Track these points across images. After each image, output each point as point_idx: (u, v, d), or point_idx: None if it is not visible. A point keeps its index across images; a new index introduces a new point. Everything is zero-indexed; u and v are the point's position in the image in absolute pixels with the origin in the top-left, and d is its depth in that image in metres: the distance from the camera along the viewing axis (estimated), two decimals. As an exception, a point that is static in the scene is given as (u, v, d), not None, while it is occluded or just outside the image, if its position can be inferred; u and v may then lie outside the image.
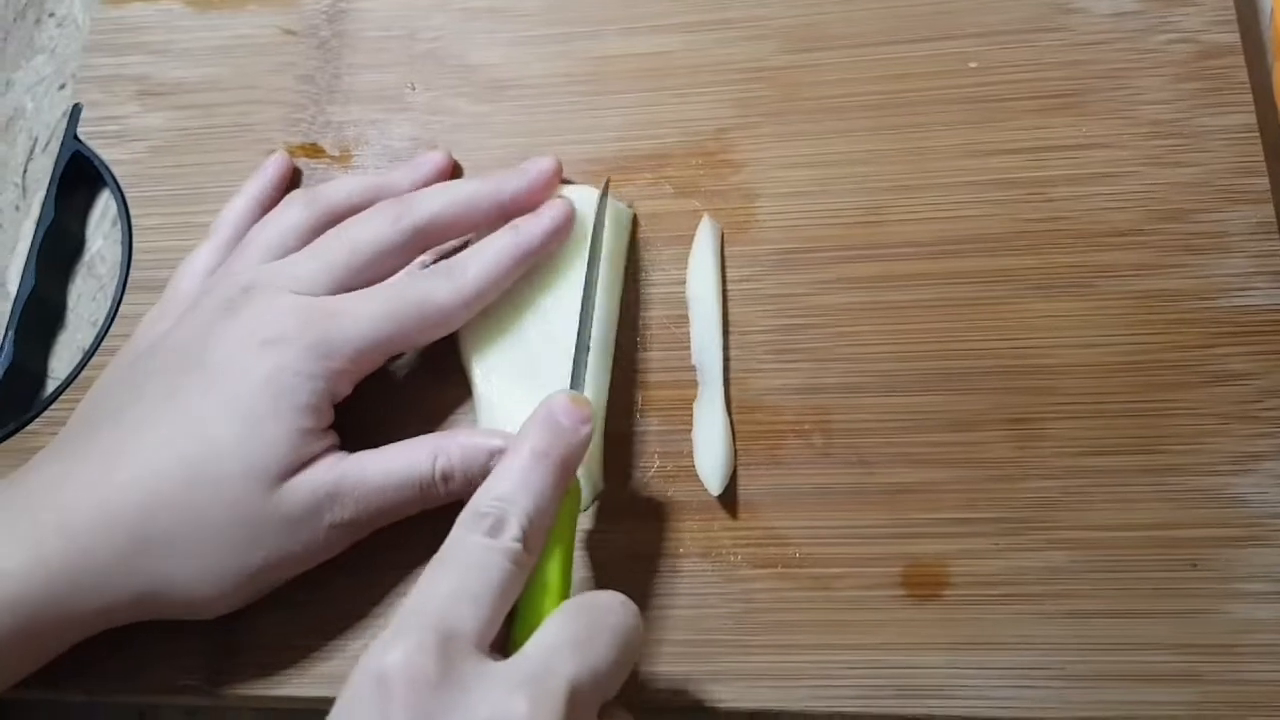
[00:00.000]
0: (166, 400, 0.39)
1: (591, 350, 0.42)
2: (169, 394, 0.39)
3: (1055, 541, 0.40)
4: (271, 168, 0.48)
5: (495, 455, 0.39)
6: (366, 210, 0.43)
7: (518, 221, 0.43)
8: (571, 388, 0.40)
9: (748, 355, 0.44)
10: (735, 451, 0.42)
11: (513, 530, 0.34)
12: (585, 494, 0.40)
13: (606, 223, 0.44)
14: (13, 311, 0.48)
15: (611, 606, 0.34)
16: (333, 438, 0.40)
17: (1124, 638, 0.39)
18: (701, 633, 0.40)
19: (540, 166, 0.44)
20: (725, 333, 0.44)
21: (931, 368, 0.43)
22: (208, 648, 0.41)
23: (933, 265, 0.44)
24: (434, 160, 0.47)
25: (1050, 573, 0.39)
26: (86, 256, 0.51)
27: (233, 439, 0.38)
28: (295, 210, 0.44)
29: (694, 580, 0.41)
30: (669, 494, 0.42)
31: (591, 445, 0.38)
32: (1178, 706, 0.38)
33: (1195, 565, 0.39)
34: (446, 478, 0.40)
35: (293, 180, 0.49)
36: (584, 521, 0.42)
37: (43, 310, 0.49)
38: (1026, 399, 0.42)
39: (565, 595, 0.36)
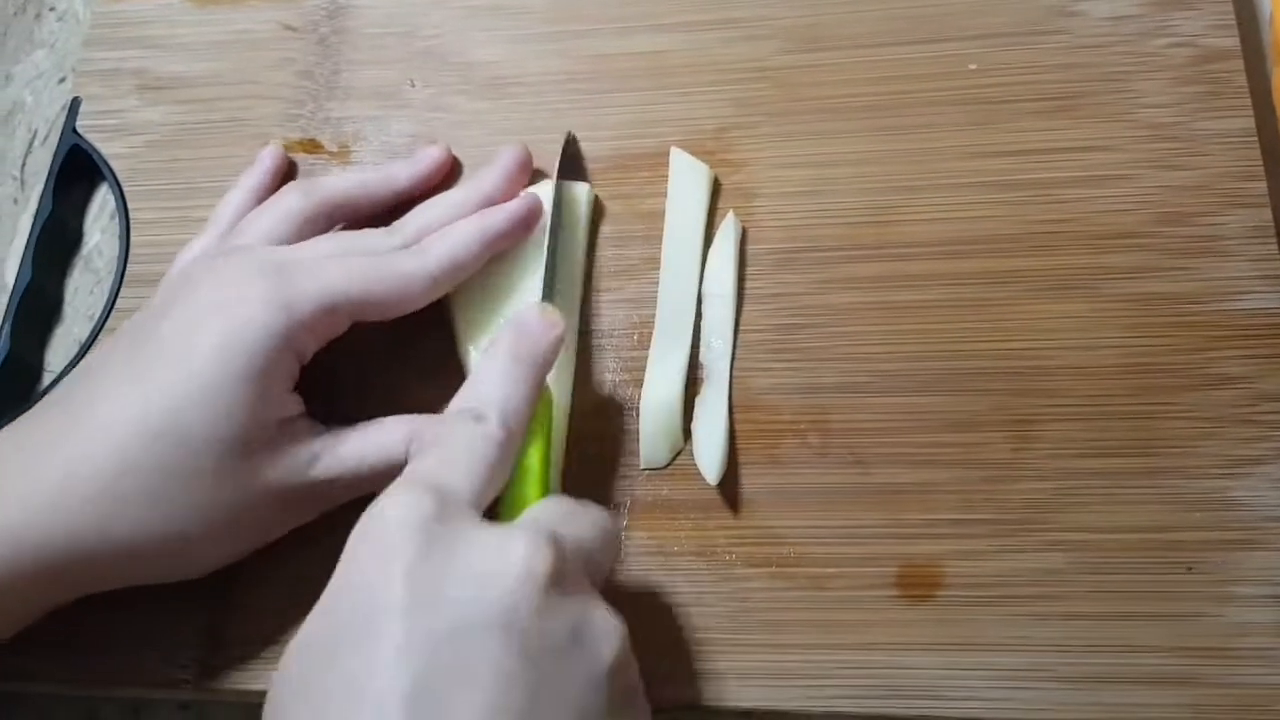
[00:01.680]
0: (124, 367, 0.39)
1: (559, 298, 0.43)
2: (127, 362, 0.39)
3: (1051, 543, 0.40)
4: (268, 159, 0.48)
5: None
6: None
7: (486, 210, 0.44)
8: (543, 299, 0.42)
9: (747, 354, 0.44)
10: (734, 446, 0.42)
11: (494, 418, 0.36)
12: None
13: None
14: (9, 304, 0.48)
15: (592, 505, 0.36)
16: (299, 403, 0.40)
17: (1119, 640, 0.38)
18: (696, 630, 0.40)
19: (510, 159, 0.45)
20: (736, 332, 0.44)
21: (929, 368, 0.43)
22: (201, 642, 0.41)
23: (931, 266, 0.44)
24: (433, 155, 0.47)
25: (1045, 574, 0.39)
26: (84, 250, 0.51)
27: (190, 403, 0.37)
28: (292, 198, 0.44)
29: (689, 578, 0.41)
30: (664, 492, 0.42)
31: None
32: (1172, 709, 0.38)
33: (1190, 568, 0.39)
34: None
35: (288, 172, 0.49)
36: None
37: (40, 303, 0.49)
38: (1024, 400, 0.42)
39: (547, 487, 0.38)
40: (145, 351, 0.38)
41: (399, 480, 0.34)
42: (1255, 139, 0.44)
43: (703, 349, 0.44)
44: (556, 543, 0.32)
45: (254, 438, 0.38)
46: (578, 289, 0.45)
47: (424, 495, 0.32)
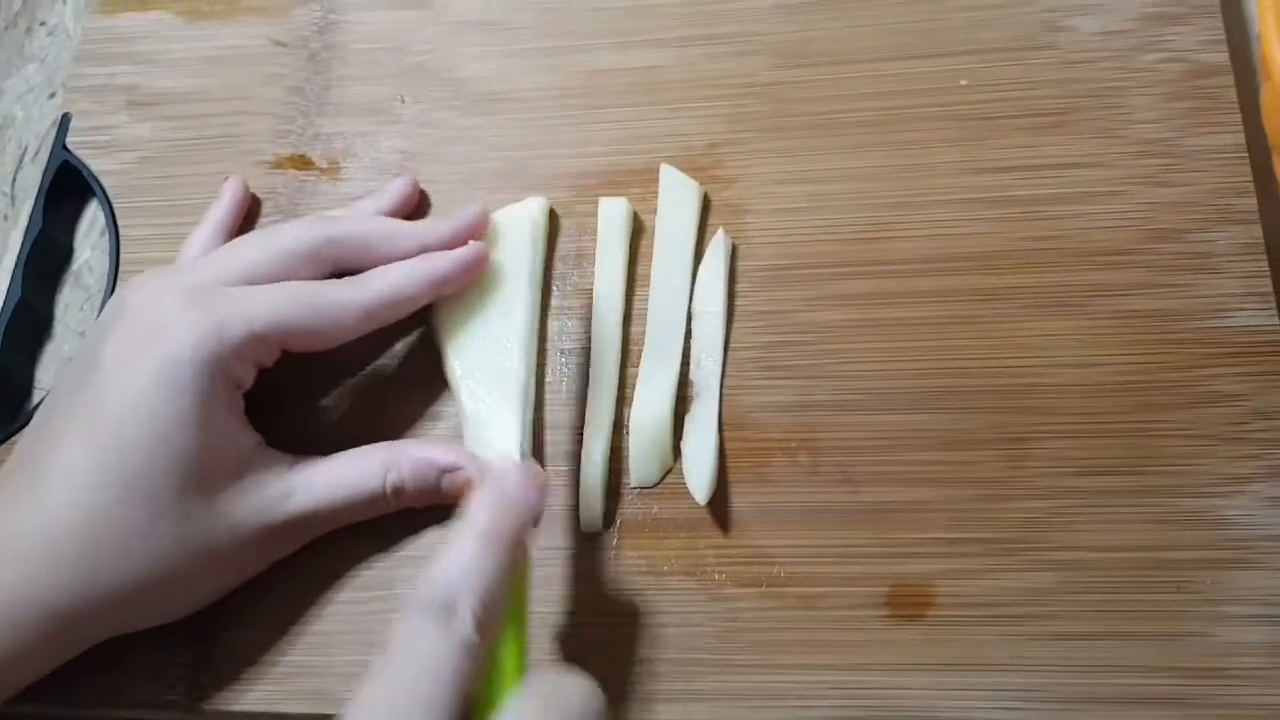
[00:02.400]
0: (76, 413, 0.38)
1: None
2: (78, 406, 0.38)
3: (1042, 562, 0.40)
4: (228, 194, 0.48)
5: (445, 472, 0.39)
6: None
7: (432, 254, 0.43)
8: (521, 449, 0.40)
9: (736, 371, 0.43)
10: (724, 464, 0.42)
11: (464, 618, 0.31)
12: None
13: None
14: (-1, 321, 0.48)
15: (572, 693, 0.32)
16: (253, 433, 0.40)
17: (1111, 660, 0.38)
18: (684, 651, 0.40)
19: (468, 215, 0.44)
20: (726, 349, 0.44)
21: (920, 386, 0.42)
22: (190, 662, 0.41)
23: (923, 283, 0.44)
24: (398, 188, 0.47)
25: (1037, 594, 0.39)
26: (74, 266, 0.51)
27: (149, 448, 0.37)
28: (252, 247, 0.42)
29: (678, 598, 0.40)
30: (654, 511, 0.42)
31: None
32: (1164, 730, 0.38)
33: (1181, 587, 0.39)
34: (398, 492, 0.40)
35: (253, 206, 0.49)
36: (569, 538, 0.42)
37: (30, 320, 0.49)
38: (1016, 418, 0.42)
39: (523, 673, 0.34)
40: (89, 389, 0.38)
41: (352, 716, 0.30)
42: (1246, 155, 0.44)
43: (693, 367, 0.43)
44: None
45: (214, 468, 0.38)
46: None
47: None
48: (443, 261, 0.42)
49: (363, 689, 0.31)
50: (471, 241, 0.43)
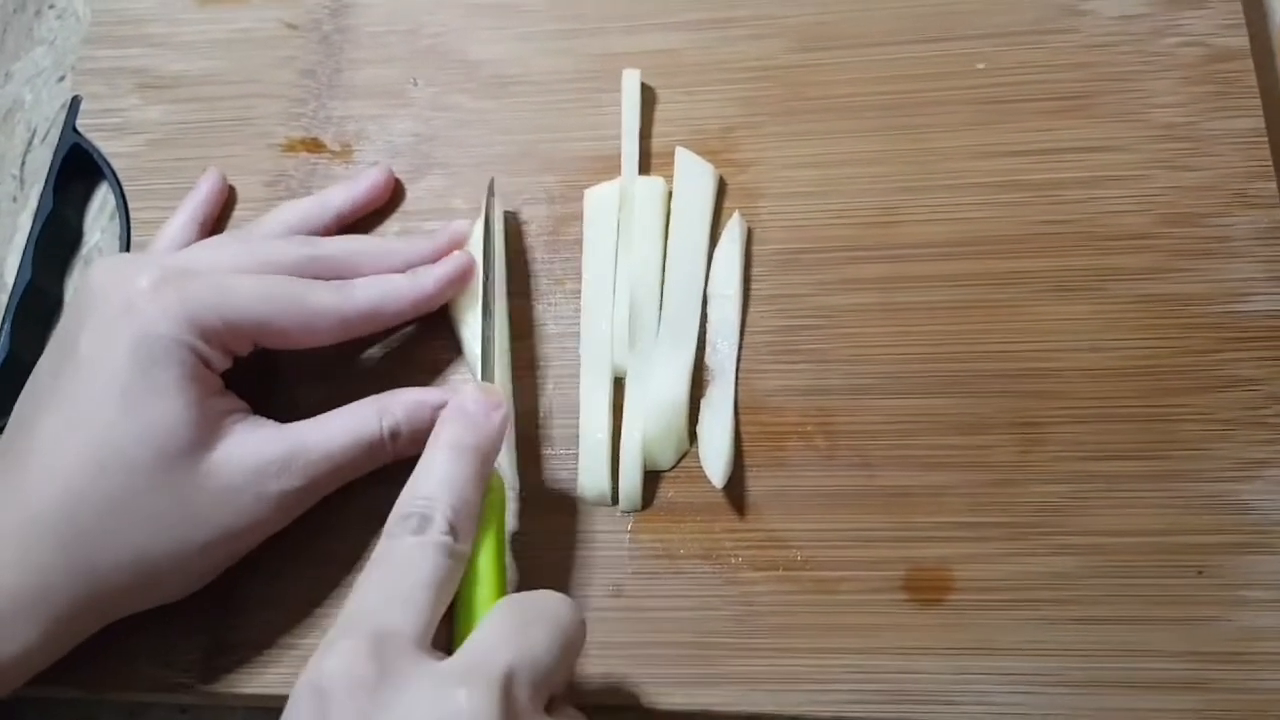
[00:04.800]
0: (51, 396, 0.38)
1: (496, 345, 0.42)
2: (53, 389, 0.38)
3: (1060, 547, 0.39)
4: (205, 185, 0.47)
5: (438, 409, 0.39)
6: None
7: (418, 270, 0.43)
8: (482, 378, 0.40)
9: (751, 355, 0.43)
10: (740, 448, 0.42)
11: (439, 524, 0.34)
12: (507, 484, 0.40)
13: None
14: (9, 303, 0.48)
15: (548, 600, 0.34)
16: (234, 400, 0.40)
17: (1129, 644, 0.38)
18: (701, 635, 0.40)
19: (450, 231, 0.44)
20: (741, 333, 0.44)
21: (937, 370, 0.42)
22: (200, 645, 0.41)
23: (940, 267, 0.44)
24: (372, 177, 0.47)
25: (1055, 578, 0.39)
26: (84, 249, 0.51)
27: (124, 423, 0.37)
28: (232, 249, 0.42)
29: (695, 582, 0.40)
30: (669, 495, 0.42)
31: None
32: (1183, 714, 0.37)
33: (1201, 572, 0.39)
34: (394, 435, 0.40)
35: (229, 198, 0.49)
36: (586, 522, 0.41)
37: (39, 303, 0.49)
38: (1033, 403, 0.41)
39: (501, 588, 0.36)
40: (64, 372, 0.38)
41: (339, 624, 0.32)
42: (1265, 139, 0.44)
43: (708, 350, 0.43)
44: (505, 684, 0.30)
45: (193, 440, 0.37)
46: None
47: (361, 646, 0.31)
48: (430, 281, 0.42)
49: (351, 595, 0.33)
50: (455, 252, 0.44)
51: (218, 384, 0.40)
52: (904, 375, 0.42)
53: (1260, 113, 0.44)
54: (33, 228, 0.49)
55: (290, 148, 0.49)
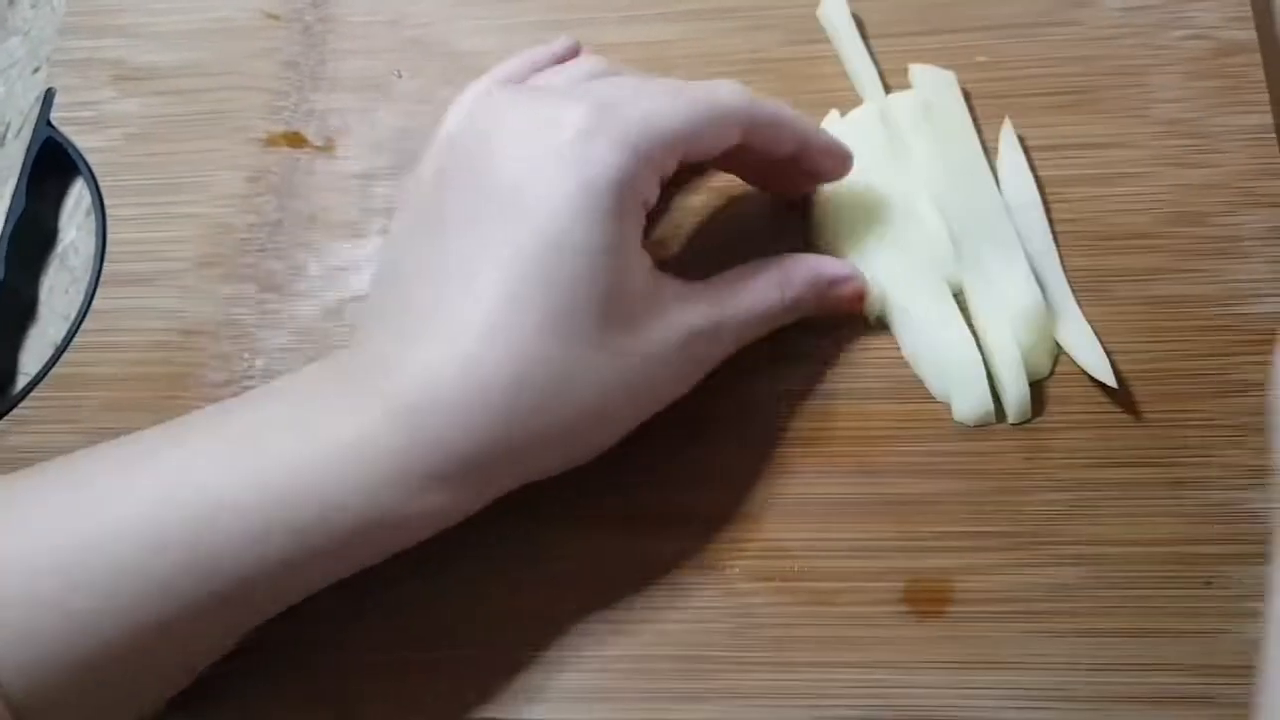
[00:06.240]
0: (471, 238, 0.35)
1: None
2: (471, 228, 0.35)
3: (1065, 557, 0.38)
4: (558, 47, 0.43)
5: (835, 282, 0.40)
6: None
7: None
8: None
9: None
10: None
11: None
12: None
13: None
14: (-19, 304, 0.46)
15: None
16: (648, 256, 0.37)
17: (1135, 658, 0.37)
18: (696, 648, 0.39)
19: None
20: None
21: (937, 373, 0.41)
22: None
23: (939, 267, 0.43)
24: (565, 42, 0.43)
25: (1059, 589, 0.38)
26: (59, 248, 0.49)
27: (571, 288, 0.34)
28: (591, 61, 0.41)
29: (690, 593, 0.39)
30: (668, 502, 0.41)
31: None
32: (1190, 729, 0.37)
33: (1209, 582, 0.38)
34: (797, 304, 0.40)
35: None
36: (577, 531, 0.40)
37: (13, 303, 0.47)
38: (1036, 407, 0.40)
39: None
40: (490, 221, 0.35)
41: None
42: (1273, 136, 0.43)
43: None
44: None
45: (631, 297, 0.36)
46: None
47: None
48: (819, 130, 0.41)
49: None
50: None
51: (643, 227, 0.37)
52: (904, 376, 0.41)
53: (1269, 109, 0.43)
54: (5, 225, 0.47)
55: (271, 142, 0.48)
